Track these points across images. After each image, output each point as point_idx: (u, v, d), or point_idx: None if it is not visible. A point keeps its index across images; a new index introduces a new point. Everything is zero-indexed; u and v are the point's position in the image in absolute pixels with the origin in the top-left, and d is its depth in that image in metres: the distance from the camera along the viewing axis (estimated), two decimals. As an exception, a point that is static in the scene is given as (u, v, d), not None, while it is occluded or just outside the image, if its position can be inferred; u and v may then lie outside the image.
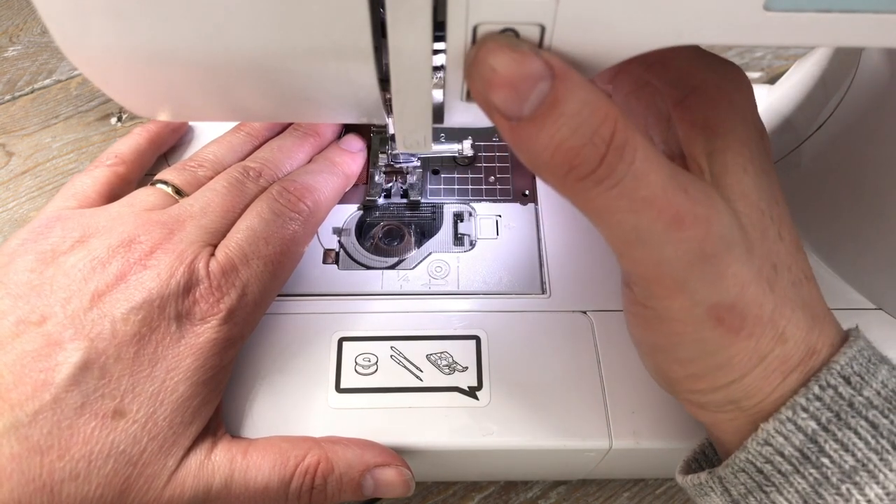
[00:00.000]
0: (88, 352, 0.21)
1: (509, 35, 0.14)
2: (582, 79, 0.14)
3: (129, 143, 0.30)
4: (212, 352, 0.23)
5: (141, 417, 0.21)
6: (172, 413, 0.22)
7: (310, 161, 0.30)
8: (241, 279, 0.24)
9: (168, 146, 0.33)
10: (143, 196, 0.26)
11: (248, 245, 0.24)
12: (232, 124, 0.32)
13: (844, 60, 0.28)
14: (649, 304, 0.19)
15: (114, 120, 0.43)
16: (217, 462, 0.22)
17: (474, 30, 0.14)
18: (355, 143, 0.31)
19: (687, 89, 0.20)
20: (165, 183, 0.26)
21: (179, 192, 0.26)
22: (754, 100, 0.20)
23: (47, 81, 0.46)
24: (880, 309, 0.28)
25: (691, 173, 0.19)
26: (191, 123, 0.34)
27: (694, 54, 0.20)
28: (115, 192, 0.27)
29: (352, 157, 0.31)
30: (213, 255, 0.24)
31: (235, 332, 0.24)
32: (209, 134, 0.33)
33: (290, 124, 0.32)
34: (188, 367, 0.22)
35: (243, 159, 0.29)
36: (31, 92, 0.45)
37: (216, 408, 0.24)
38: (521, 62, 0.14)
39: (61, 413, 0.20)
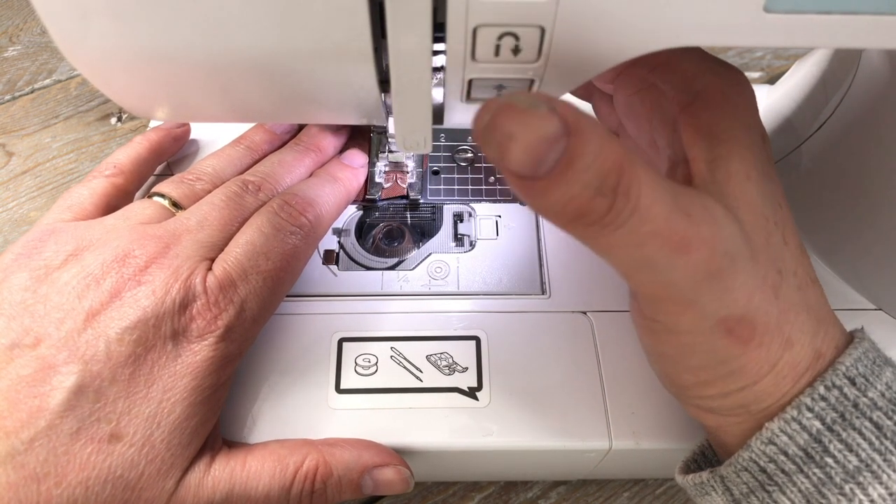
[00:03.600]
0: (83, 375, 0.20)
1: (523, 95, 0.14)
2: (592, 124, 0.14)
3: (129, 152, 0.29)
4: (209, 370, 0.22)
5: (138, 441, 0.21)
6: (170, 435, 0.21)
7: (311, 175, 0.30)
8: (239, 295, 0.23)
9: (169, 155, 0.32)
10: (138, 209, 0.25)
11: (248, 260, 0.24)
12: (234, 135, 0.31)
13: (844, 61, 0.28)
14: (658, 319, 0.19)
15: (114, 120, 0.43)
16: (216, 476, 0.22)
17: (474, 31, 0.14)
18: (357, 159, 0.31)
19: (692, 94, 0.20)
20: (162, 196, 0.26)
21: (177, 205, 0.26)
22: (756, 104, 0.20)
23: (47, 81, 0.46)
24: (880, 309, 0.28)
25: (692, 185, 0.19)
26: (194, 136, 0.34)
27: (697, 57, 0.20)
28: (112, 204, 0.27)
29: (354, 173, 0.30)
30: (210, 269, 0.23)
31: (233, 349, 0.23)
32: (213, 146, 0.33)
33: (291, 138, 0.31)
34: (185, 386, 0.22)
35: (242, 173, 0.28)
36: (31, 92, 0.45)
37: (214, 425, 0.24)
38: (539, 126, 0.13)
39: (57, 439, 0.19)
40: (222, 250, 0.24)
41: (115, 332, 0.21)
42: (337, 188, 0.29)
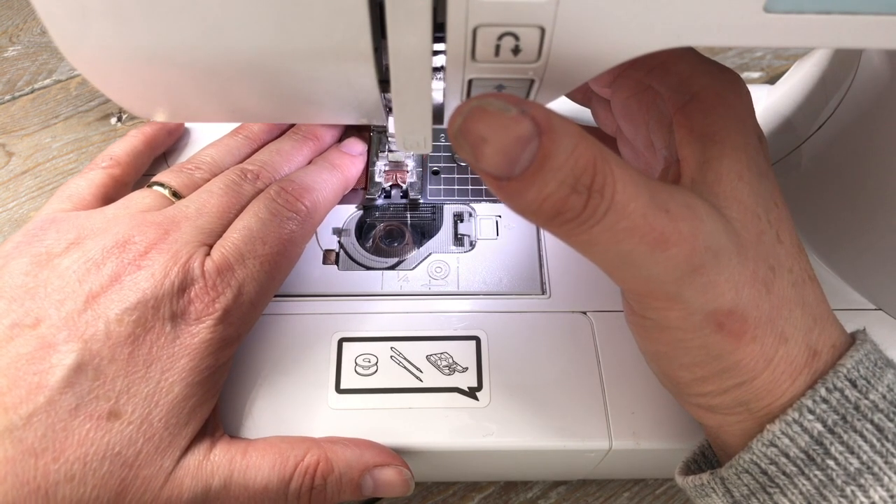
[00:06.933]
0: (82, 353, 0.20)
1: (494, 98, 0.14)
2: (563, 123, 0.14)
3: (125, 145, 0.30)
4: (207, 352, 0.23)
5: (136, 419, 0.21)
6: (168, 414, 0.21)
7: (309, 163, 0.30)
8: (236, 279, 0.24)
9: (164, 148, 0.33)
10: (138, 198, 0.26)
11: (245, 245, 0.24)
12: (230, 127, 0.31)
13: (844, 61, 0.28)
14: (647, 315, 0.19)
15: (114, 120, 0.43)
16: (216, 462, 0.22)
17: (474, 31, 0.14)
18: (356, 147, 0.31)
19: (687, 95, 0.20)
20: (162, 185, 0.26)
21: (176, 194, 0.26)
22: (752, 105, 0.20)
23: (47, 81, 0.46)
24: (880, 309, 0.28)
25: (677, 184, 0.19)
26: (189, 127, 0.34)
27: (693, 59, 0.21)
28: (110, 195, 0.27)
29: (352, 160, 0.30)
30: (208, 255, 0.24)
31: (231, 332, 0.24)
32: (209, 137, 0.33)
33: (289, 128, 0.32)
34: (183, 367, 0.22)
35: (241, 162, 0.29)
36: (31, 92, 0.45)
37: (214, 409, 0.24)
38: (511, 128, 0.14)
39: (55, 415, 0.20)
40: (221, 237, 0.25)
41: (114, 313, 0.21)
42: (335, 175, 0.29)
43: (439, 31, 0.14)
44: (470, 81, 0.16)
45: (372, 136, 0.32)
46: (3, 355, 0.20)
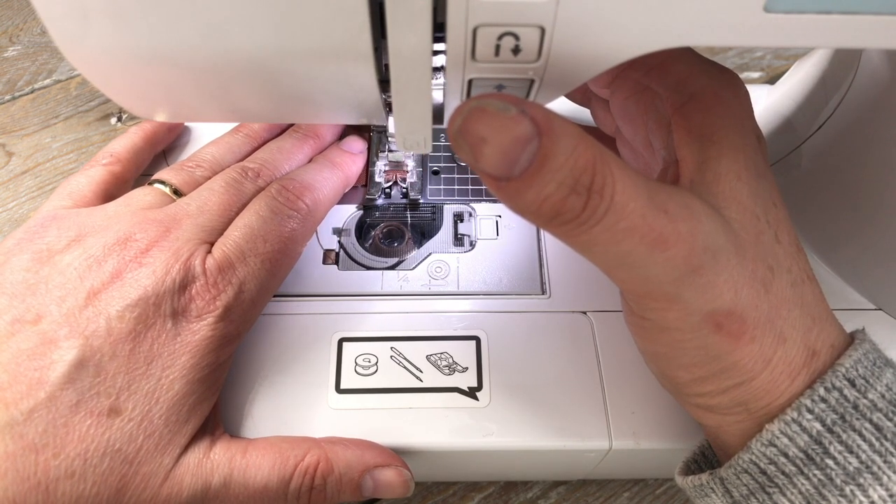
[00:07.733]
0: (83, 350, 0.20)
1: (493, 98, 0.14)
2: (563, 123, 0.14)
3: (125, 142, 0.30)
4: (208, 349, 0.23)
5: (136, 415, 0.21)
6: (168, 411, 0.22)
7: (310, 161, 0.30)
8: (238, 276, 0.24)
9: (164, 145, 0.33)
10: (140, 195, 0.26)
11: (246, 242, 0.24)
12: (230, 125, 0.32)
13: (844, 61, 0.28)
14: (646, 316, 0.19)
15: (114, 120, 0.43)
16: (216, 460, 0.22)
17: (474, 31, 0.14)
18: (356, 145, 0.31)
19: (685, 96, 0.20)
20: (163, 183, 0.26)
21: (177, 191, 0.26)
22: (751, 106, 0.20)
23: (47, 81, 0.46)
24: (880, 309, 0.28)
25: (675, 184, 0.19)
26: (188, 124, 0.34)
27: (692, 60, 0.21)
28: (110, 192, 0.27)
29: (352, 158, 0.31)
30: (209, 252, 0.24)
31: (232, 329, 0.24)
32: (208, 135, 0.33)
33: (289, 126, 0.32)
34: (184, 364, 0.22)
35: (242, 160, 0.29)
36: (31, 92, 0.45)
37: (214, 407, 0.24)
38: (510, 128, 0.14)
39: (56, 411, 0.20)
40: (221, 234, 0.25)
41: (115, 310, 0.21)
42: (335, 173, 0.29)
43: (439, 31, 0.14)
44: (470, 81, 0.16)
45: (372, 135, 0.32)
46: (4, 351, 0.20)
